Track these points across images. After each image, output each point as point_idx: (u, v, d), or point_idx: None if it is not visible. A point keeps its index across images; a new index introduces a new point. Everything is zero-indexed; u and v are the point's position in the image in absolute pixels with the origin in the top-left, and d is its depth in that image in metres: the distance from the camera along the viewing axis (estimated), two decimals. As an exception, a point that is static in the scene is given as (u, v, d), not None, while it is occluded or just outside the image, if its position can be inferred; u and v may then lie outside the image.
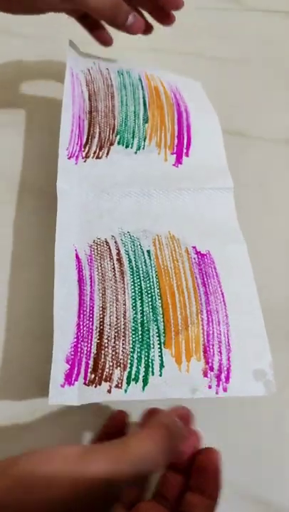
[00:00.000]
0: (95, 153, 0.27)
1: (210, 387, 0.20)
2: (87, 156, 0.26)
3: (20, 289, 0.27)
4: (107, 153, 0.27)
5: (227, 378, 0.20)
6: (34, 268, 0.28)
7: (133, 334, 0.21)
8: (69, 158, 0.26)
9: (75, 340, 0.20)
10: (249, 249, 0.25)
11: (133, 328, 0.21)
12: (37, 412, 0.24)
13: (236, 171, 0.31)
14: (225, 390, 0.20)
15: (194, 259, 0.23)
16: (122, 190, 0.25)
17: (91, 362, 0.20)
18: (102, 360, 0.20)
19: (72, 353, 0.20)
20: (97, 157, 0.26)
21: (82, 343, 0.20)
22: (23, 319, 0.26)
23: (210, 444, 0.23)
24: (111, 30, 0.37)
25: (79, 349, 0.20)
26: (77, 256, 0.23)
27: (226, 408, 0.24)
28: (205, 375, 0.20)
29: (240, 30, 0.42)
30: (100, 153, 0.27)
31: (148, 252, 0.23)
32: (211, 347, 0.21)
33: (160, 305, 0.22)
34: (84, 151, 0.27)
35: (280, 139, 0.35)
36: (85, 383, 0.20)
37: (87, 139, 0.27)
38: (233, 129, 0.35)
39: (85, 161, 0.26)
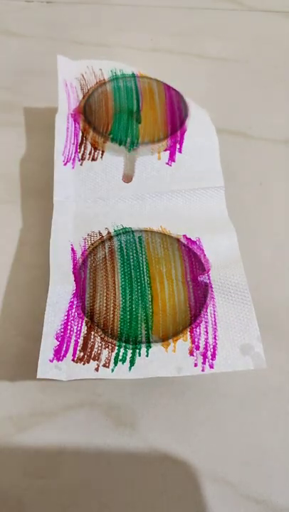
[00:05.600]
0: (90, 154, 0.27)
1: (196, 365, 0.21)
2: (83, 159, 0.27)
3: (19, 289, 0.27)
4: (102, 154, 0.27)
5: (213, 355, 0.21)
6: (34, 268, 0.28)
7: (122, 322, 0.21)
8: (65, 164, 0.27)
9: (66, 318, 0.21)
10: (248, 249, 0.25)
11: (122, 317, 0.22)
12: (36, 407, 0.24)
13: (236, 170, 0.31)
14: (211, 366, 0.20)
15: (184, 246, 0.24)
16: (117, 194, 0.26)
17: (81, 340, 0.21)
18: (92, 340, 0.21)
19: (62, 330, 0.21)
20: (93, 159, 0.27)
21: (72, 322, 0.21)
22: (21, 319, 0.26)
23: (210, 444, 0.23)
24: (110, 29, 0.37)
25: (69, 327, 0.21)
26: (72, 249, 0.24)
27: (226, 408, 0.24)
28: (191, 353, 0.21)
29: (240, 30, 0.42)
30: (96, 154, 0.27)
31: (139, 238, 0.24)
32: (197, 327, 0.21)
33: (149, 293, 0.22)
34: (80, 152, 0.27)
35: (280, 139, 0.35)
36: (73, 360, 0.20)
37: (82, 137, 0.27)
38: (233, 129, 0.35)
39: (81, 164, 0.27)
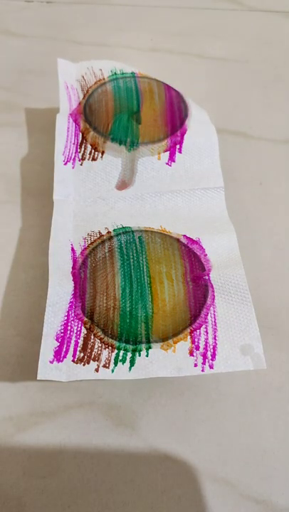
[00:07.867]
0: (90, 154, 0.27)
1: (196, 365, 0.21)
2: (83, 159, 0.27)
3: (18, 288, 0.27)
4: (102, 154, 0.27)
5: (213, 355, 0.21)
6: (34, 268, 0.28)
7: (122, 322, 0.21)
8: (65, 163, 0.27)
9: (66, 318, 0.21)
10: (248, 249, 0.25)
11: (122, 317, 0.22)
12: (36, 408, 0.24)
13: (236, 170, 0.31)
14: (211, 367, 0.20)
15: (184, 246, 0.24)
16: (117, 194, 0.26)
17: (81, 341, 0.21)
18: (92, 341, 0.21)
19: (62, 330, 0.21)
20: (93, 159, 0.27)
21: (72, 322, 0.21)
22: (21, 319, 0.26)
23: (210, 444, 0.23)
24: (110, 29, 0.37)
25: (69, 327, 0.21)
26: (72, 249, 0.24)
27: (226, 407, 0.24)
28: (191, 354, 0.21)
29: (240, 30, 0.42)
30: (96, 154, 0.27)
31: (140, 238, 0.24)
32: (197, 328, 0.21)
33: (149, 293, 0.22)
34: (80, 152, 0.27)
35: (280, 139, 0.35)
36: (73, 361, 0.20)
37: (82, 137, 0.27)
38: (233, 129, 0.35)
39: (81, 164, 0.27)
